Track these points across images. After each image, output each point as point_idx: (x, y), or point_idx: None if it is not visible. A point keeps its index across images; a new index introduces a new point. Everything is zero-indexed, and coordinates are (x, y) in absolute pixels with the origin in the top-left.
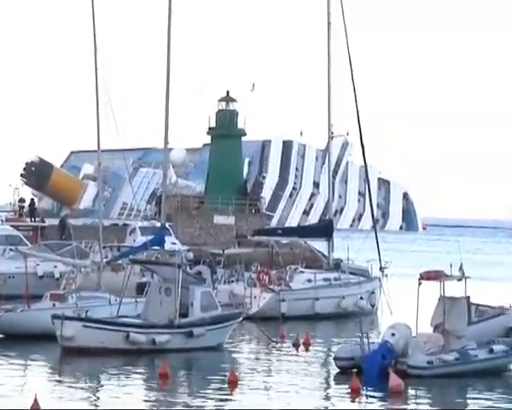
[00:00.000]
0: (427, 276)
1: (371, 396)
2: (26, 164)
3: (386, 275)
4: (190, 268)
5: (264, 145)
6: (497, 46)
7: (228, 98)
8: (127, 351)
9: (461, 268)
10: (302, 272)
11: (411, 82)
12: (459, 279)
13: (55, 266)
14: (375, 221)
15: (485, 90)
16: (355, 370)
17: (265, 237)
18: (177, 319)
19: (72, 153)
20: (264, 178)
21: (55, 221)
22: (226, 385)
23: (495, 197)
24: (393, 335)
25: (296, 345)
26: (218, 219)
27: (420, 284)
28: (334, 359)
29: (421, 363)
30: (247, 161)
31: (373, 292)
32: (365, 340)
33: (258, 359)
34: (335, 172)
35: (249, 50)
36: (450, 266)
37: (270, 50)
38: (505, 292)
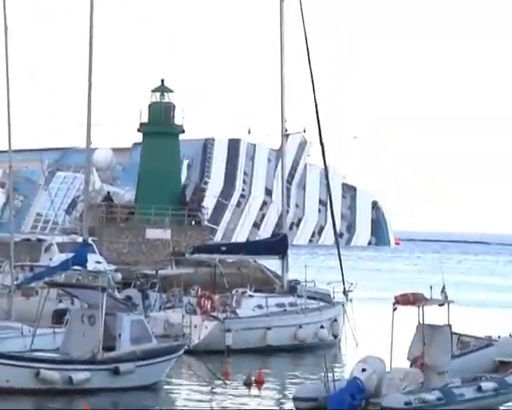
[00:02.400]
0: (404, 300)
1: None
2: None
3: (352, 299)
4: (118, 292)
5: (207, 145)
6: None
7: (163, 88)
8: (39, 391)
9: (443, 291)
10: (251, 296)
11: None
12: (441, 304)
13: None
14: (337, 235)
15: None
16: None
17: (208, 254)
18: (101, 352)
19: None
20: (206, 183)
21: None
22: None
23: (488, 207)
24: (364, 370)
25: (248, 384)
26: (152, 234)
27: (395, 309)
28: (294, 399)
29: (397, 404)
30: (185, 163)
31: (335, 320)
32: (330, 377)
33: (200, 401)
34: (291, 176)
35: (191, 36)
36: (431, 288)
37: (215, 36)
38: (492, 319)
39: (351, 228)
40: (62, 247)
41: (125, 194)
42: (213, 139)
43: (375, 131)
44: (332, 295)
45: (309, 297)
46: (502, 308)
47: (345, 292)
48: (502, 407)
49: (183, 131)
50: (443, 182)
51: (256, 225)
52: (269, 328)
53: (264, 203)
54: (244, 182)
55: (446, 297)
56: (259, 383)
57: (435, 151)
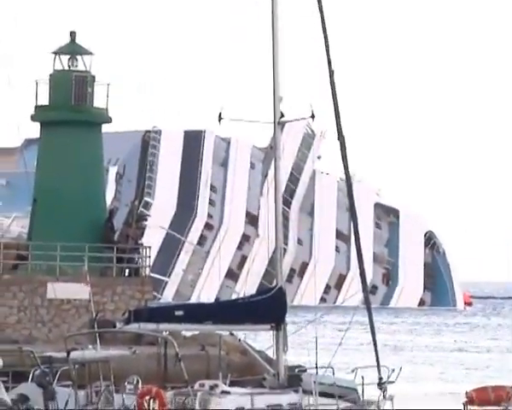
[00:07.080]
0: (482, 397)
1: None
2: None
3: (393, 397)
4: (6, 388)
5: (148, 141)
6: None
7: (73, 48)
8: None
9: None
10: (226, 392)
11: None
12: None
13: None
14: (367, 291)
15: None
16: None
17: (152, 324)
18: None
19: None
20: (147, 205)
21: None
22: None
23: None
24: None
25: None
26: (58, 291)
27: None
28: None
29: None
30: (113, 171)
31: None
32: None
33: None
34: (290, 192)
35: None
36: None
37: None
38: None
39: (390, 278)
40: None
41: (12, 225)
42: (159, 132)
43: (428, 124)
44: (360, 390)
45: (322, 394)
46: None
47: (381, 384)
48: None
49: (109, 120)
50: None
51: (232, 275)
52: None
53: (246, 238)
54: (211, 203)
55: None
56: None
57: None
